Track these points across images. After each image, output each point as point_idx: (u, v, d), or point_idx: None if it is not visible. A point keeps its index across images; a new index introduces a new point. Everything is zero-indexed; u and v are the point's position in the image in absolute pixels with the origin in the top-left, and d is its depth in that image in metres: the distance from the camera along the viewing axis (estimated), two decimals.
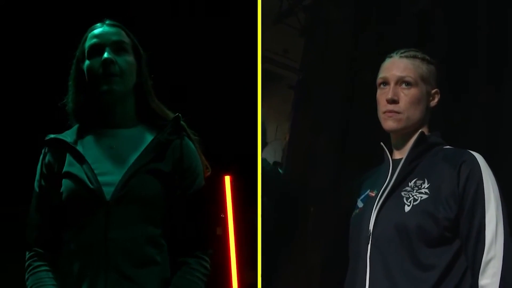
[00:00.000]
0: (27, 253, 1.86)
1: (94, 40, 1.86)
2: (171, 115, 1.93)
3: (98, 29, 1.88)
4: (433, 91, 2.04)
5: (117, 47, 1.85)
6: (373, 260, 1.92)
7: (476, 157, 1.91)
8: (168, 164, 1.84)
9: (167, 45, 2.17)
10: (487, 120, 2.63)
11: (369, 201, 2.03)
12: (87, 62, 1.85)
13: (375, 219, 1.95)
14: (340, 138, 2.94)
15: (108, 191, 1.77)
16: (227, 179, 3.55)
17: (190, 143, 1.92)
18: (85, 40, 1.89)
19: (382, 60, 2.09)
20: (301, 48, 3.10)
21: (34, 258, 1.85)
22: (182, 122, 1.92)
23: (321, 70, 3.02)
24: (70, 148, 1.84)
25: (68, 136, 1.88)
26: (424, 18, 2.79)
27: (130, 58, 1.87)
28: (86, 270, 1.75)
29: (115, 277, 1.73)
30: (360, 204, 2.10)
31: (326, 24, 2.98)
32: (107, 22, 1.90)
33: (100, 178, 1.79)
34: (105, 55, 1.82)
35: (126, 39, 1.88)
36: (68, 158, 1.84)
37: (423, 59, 2.03)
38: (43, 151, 1.89)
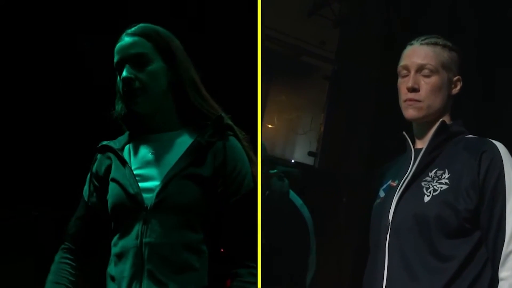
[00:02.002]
0: (61, 246, 1.93)
1: (116, 57, 1.83)
2: (217, 112, 1.86)
3: (119, 43, 1.83)
4: (455, 78, 2.01)
5: (137, 61, 1.80)
6: (391, 250, 1.91)
7: (498, 146, 1.87)
8: (208, 168, 1.78)
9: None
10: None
11: (391, 191, 2.02)
12: (118, 78, 1.86)
13: (394, 209, 1.94)
14: (374, 129, 2.92)
15: (147, 197, 1.76)
16: None
17: (237, 143, 1.85)
18: (114, 53, 1.86)
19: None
20: (336, 39, 3.09)
21: (64, 250, 1.91)
22: (228, 121, 1.86)
23: (356, 61, 3.00)
24: (117, 154, 1.85)
25: (118, 142, 1.89)
26: (455, 8, 2.73)
27: (153, 67, 1.81)
28: (124, 274, 1.75)
29: (150, 283, 1.71)
30: (382, 193, 2.08)
31: (360, 14, 2.95)
32: (128, 31, 1.85)
33: (141, 184, 1.77)
34: (124, 73, 1.79)
35: (146, 48, 1.81)
36: (115, 163, 1.85)
37: (444, 46, 1.99)
38: (94, 157, 1.92)
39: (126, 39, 1.83)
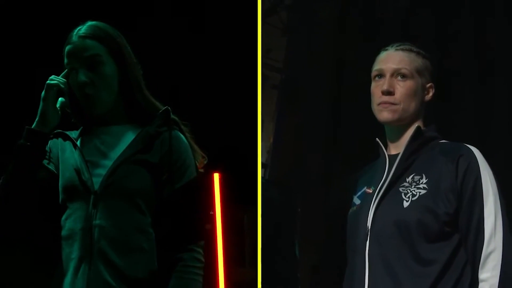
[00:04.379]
0: None
1: (68, 59, 1.87)
2: (160, 108, 1.95)
3: (71, 46, 1.87)
4: (428, 85, 2.04)
5: (90, 62, 1.86)
6: (372, 257, 1.91)
7: (473, 150, 1.92)
8: (155, 156, 1.87)
9: (166, 46, 2.14)
10: (476, 114, 2.64)
11: (366, 198, 2.02)
12: (69, 77, 1.89)
13: (373, 216, 1.94)
14: (326, 137, 2.92)
15: (97, 182, 1.83)
16: (216, 176, 3.53)
17: (181, 135, 1.94)
18: (64, 54, 1.89)
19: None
20: (284, 48, 3.07)
21: None
22: (173, 116, 1.95)
23: (305, 69, 3.00)
24: (72, 141, 1.92)
25: (73, 133, 1.96)
26: (408, 15, 2.80)
27: (107, 69, 1.88)
28: (72, 255, 1.80)
29: (100, 263, 1.77)
30: (356, 201, 2.08)
31: (309, 23, 2.96)
32: (79, 33, 1.88)
33: (92, 170, 1.85)
34: (79, 77, 1.85)
35: (99, 49, 1.87)
36: (69, 149, 1.92)
37: (418, 53, 2.04)
38: (48, 139, 1.92)
39: (78, 42, 1.87)
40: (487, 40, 2.73)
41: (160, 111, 1.93)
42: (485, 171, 1.88)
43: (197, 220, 1.90)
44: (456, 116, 2.63)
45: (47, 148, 1.90)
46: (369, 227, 1.93)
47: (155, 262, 1.83)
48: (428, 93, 2.05)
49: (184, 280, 1.83)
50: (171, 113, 1.94)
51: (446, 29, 2.70)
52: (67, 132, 1.96)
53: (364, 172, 2.15)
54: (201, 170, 1.98)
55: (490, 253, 1.82)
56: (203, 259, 1.87)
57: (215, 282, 3.39)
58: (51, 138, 1.92)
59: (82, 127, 1.98)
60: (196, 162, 1.95)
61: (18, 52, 3.04)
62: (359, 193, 2.09)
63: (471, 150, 1.92)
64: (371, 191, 2.01)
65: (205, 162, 1.98)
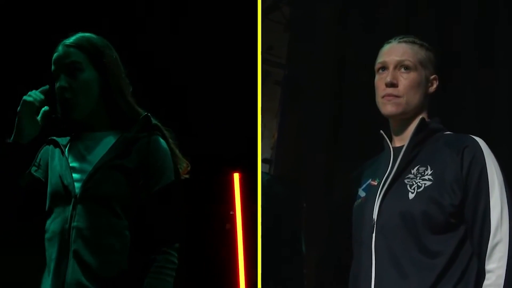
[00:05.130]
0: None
1: (53, 67, 1.99)
2: (143, 113, 2.02)
3: (56, 54, 1.99)
4: (432, 77, 2.04)
5: (71, 70, 1.96)
6: (378, 249, 1.91)
7: (479, 141, 1.91)
8: (133, 161, 1.94)
9: (166, 44, 2.15)
10: (479, 105, 2.64)
11: (371, 190, 2.02)
12: (56, 84, 1.99)
13: (378, 208, 1.94)
14: (330, 133, 2.92)
15: (77, 186, 1.92)
16: (236, 176, 3.52)
17: (161, 140, 1.99)
18: (52, 62, 2.00)
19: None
20: (286, 44, 3.07)
21: None
22: (154, 121, 2.01)
23: (308, 65, 2.99)
24: (60, 148, 2.02)
25: (64, 140, 2.05)
26: (411, 8, 2.79)
27: (85, 75, 1.97)
28: (52, 257, 1.90)
29: (75, 263, 1.86)
30: (362, 193, 2.08)
31: (311, 18, 2.95)
32: (65, 42, 1.99)
33: (74, 175, 1.94)
34: (58, 83, 1.96)
35: (79, 58, 1.97)
36: (57, 156, 2.02)
37: (421, 45, 2.03)
38: (42, 146, 2.06)
39: (62, 50, 1.99)
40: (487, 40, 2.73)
41: (141, 117, 2.00)
42: (490, 162, 1.88)
43: (171, 224, 1.95)
44: (459, 109, 2.62)
45: (38, 156, 2.03)
46: (375, 219, 1.93)
47: (126, 263, 1.89)
48: (432, 85, 2.04)
49: (157, 280, 1.90)
50: (152, 119, 2.01)
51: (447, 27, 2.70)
52: (58, 139, 2.05)
53: (369, 165, 2.15)
54: (186, 176, 2.05)
55: (496, 244, 1.82)
56: (176, 261, 1.94)
57: (236, 281, 3.37)
58: (44, 145, 2.04)
59: (73, 133, 2.06)
60: (179, 168, 2.02)
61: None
62: (364, 186, 2.09)
63: (476, 141, 1.91)
64: (376, 184, 2.01)
65: (188, 168, 2.04)
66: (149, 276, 1.89)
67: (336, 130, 2.94)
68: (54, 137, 2.05)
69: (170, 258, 1.92)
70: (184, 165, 2.03)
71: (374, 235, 1.92)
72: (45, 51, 2.02)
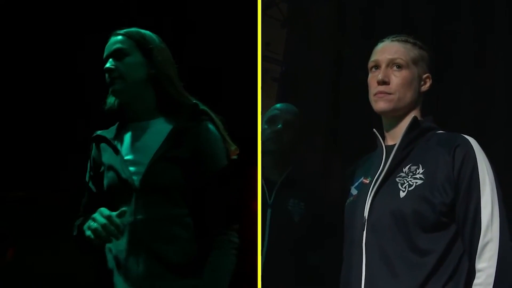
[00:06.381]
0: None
1: (104, 54, 2.11)
2: (191, 101, 2.10)
3: (108, 42, 2.12)
4: (425, 75, 2.04)
5: (118, 54, 2.08)
6: (369, 247, 1.91)
7: (470, 141, 1.91)
8: (186, 151, 2.03)
9: (166, 42, 2.19)
10: (474, 103, 2.64)
11: (363, 188, 2.02)
12: None
13: (369, 206, 1.94)
14: (327, 130, 2.92)
15: (136, 180, 2.02)
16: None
17: (211, 127, 2.08)
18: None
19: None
20: (283, 40, 3.07)
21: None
22: (203, 107, 2.10)
23: (305, 61, 2.99)
24: (109, 143, 2.12)
25: (110, 132, 2.15)
26: (407, 6, 2.79)
27: (131, 59, 2.07)
28: (120, 248, 1.99)
29: (147, 255, 1.97)
30: (354, 191, 2.08)
31: (309, 14, 2.95)
32: (115, 32, 2.12)
33: (131, 168, 2.04)
34: (106, 65, 2.08)
35: (126, 44, 2.09)
36: (109, 151, 2.11)
37: (414, 44, 2.04)
38: (90, 146, 2.18)
39: (112, 38, 2.12)
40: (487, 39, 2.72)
41: (189, 104, 2.09)
42: (481, 161, 1.88)
43: (229, 206, 2.06)
44: (453, 108, 2.62)
45: (90, 161, 2.15)
46: (366, 218, 1.93)
47: (195, 248, 2.01)
48: (425, 84, 2.04)
49: (221, 258, 2.01)
50: (200, 107, 2.09)
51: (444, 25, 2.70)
52: (105, 133, 2.15)
53: (362, 163, 2.15)
54: (235, 157, 2.12)
55: (487, 243, 1.82)
56: (237, 240, 2.05)
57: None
58: (92, 143, 2.16)
59: (118, 123, 2.16)
60: (229, 152, 2.09)
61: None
62: (356, 184, 2.09)
63: (467, 140, 1.91)
64: (368, 182, 2.01)
65: (237, 152, 2.11)
66: (213, 254, 2.00)
67: (333, 128, 2.94)
68: (99, 132, 2.16)
69: (232, 238, 2.04)
70: (233, 149, 2.11)
71: (365, 233, 1.92)
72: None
